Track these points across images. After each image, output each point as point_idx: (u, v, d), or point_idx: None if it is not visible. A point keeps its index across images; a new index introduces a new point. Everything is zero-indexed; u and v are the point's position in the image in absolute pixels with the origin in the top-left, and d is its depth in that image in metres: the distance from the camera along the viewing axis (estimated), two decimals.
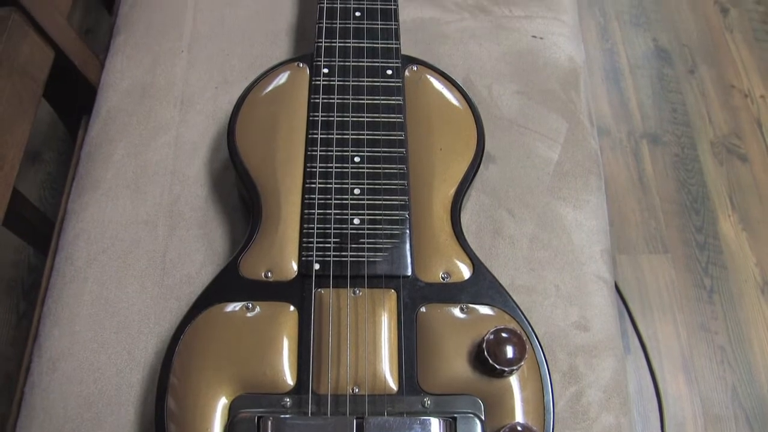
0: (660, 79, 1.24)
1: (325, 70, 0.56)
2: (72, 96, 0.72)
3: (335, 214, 0.50)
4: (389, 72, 0.56)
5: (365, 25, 0.59)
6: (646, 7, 1.33)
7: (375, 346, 0.46)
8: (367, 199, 0.50)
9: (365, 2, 0.60)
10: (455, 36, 0.69)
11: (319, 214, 0.50)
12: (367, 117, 0.54)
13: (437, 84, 0.58)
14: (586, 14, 1.33)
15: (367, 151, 0.52)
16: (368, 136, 0.53)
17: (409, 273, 0.48)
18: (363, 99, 0.55)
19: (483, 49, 0.68)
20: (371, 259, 0.48)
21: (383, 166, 0.52)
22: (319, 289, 0.47)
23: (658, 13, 1.32)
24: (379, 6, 0.60)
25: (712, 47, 1.28)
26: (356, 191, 0.51)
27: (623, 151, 1.16)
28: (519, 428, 0.43)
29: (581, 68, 0.69)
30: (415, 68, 0.58)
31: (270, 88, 0.57)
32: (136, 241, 0.57)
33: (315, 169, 0.51)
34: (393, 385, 0.45)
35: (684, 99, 1.22)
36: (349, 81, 0.56)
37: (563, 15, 0.72)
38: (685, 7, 1.33)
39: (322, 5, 0.59)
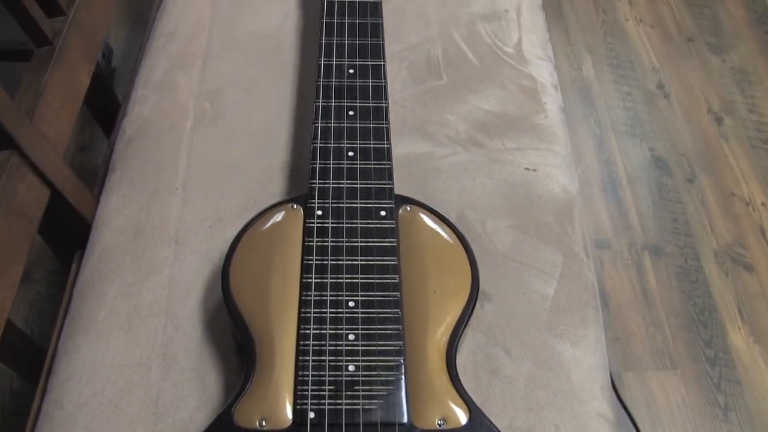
0: (659, 188, 1.31)
1: (319, 212, 0.62)
2: (65, 232, 0.77)
3: (330, 360, 0.53)
4: (383, 213, 0.62)
5: (358, 166, 0.65)
6: (641, 117, 1.43)
7: None
8: (362, 345, 0.54)
9: (358, 142, 0.67)
10: (449, 170, 0.76)
11: (314, 360, 0.53)
12: (361, 260, 0.59)
13: (431, 223, 0.64)
14: (582, 126, 1.42)
15: (362, 296, 0.57)
16: (362, 280, 0.57)
17: (405, 420, 0.51)
18: (357, 242, 0.60)
19: (477, 183, 0.75)
20: (366, 407, 0.51)
21: (378, 310, 0.56)
22: None
23: (654, 123, 1.42)
24: (372, 145, 0.67)
25: (709, 156, 1.36)
26: (351, 337, 0.54)
27: (625, 264, 1.20)
28: None
29: (575, 198, 0.76)
30: (409, 208, 0.64)
31: (264, 229, 0.62)
32: (128, 384, 0.60)
33: (309, 315, 0.55)
34: None
35: (684, 208, 1.28)
36: (342, 223, 0.61)
37: (556, 145, 0.80)
38: (680, 117, 1.43)
39: (315, 145, 0.66)
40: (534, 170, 0.77)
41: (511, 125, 0.80)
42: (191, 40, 0.89)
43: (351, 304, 0.56)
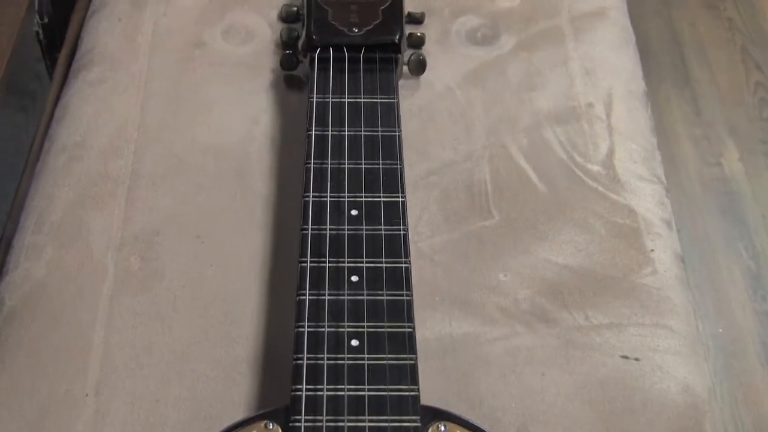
0: None
1: None
2: None
3: None
4: None
5: (366, 362, 0.74)
6: None
7: None
8: None
9: (365, 324, 0.76)
10: (503, 361, 0.84)
11: None
12: None
13: None
14: (724, 257, 1.48)
15: None
16: None
17: None
18: None
19: (547, 382, 0.83)
20: None
21: None
22: None
23: None
24: (386, 329, 0.76)
25: None
26: None
27: None
28: None
29: (706, 402, 0.83)
30: (443, 428, 0.73)
31: None
32: None
33: None
34: None
35: None
36: None
37: (670, 318, 0.89)
38: None
39: (300, 329, 0.75)
40: (636, 359, 0.85)
41: (599, 288, 0.91)
42: (109, 158, 1.02)
43: None
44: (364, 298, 0.78)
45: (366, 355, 0.75)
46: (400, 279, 0.80)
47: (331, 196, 0.86)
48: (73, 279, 0.92)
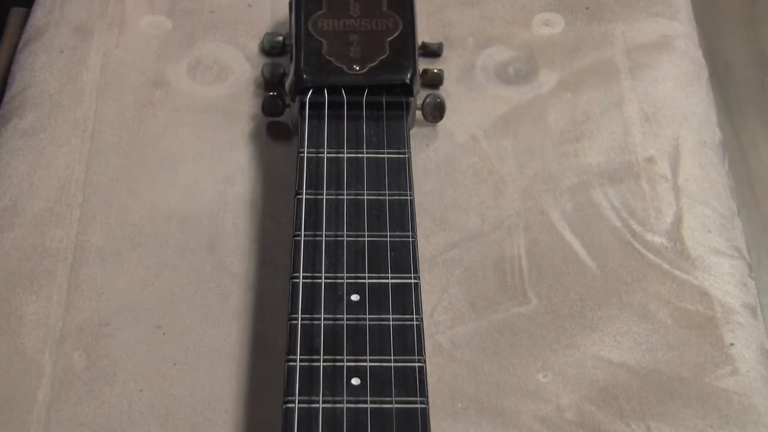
0: None
1: None
2: None
3: None
4: None
5: None
6: None
7: None
8: None
9: None
10: None
11: None
12: None
13: None
14: None
15: None
16: None
17: None
18: None
19: None
20: None
21: None
22: None
23: None
24: None
25: None
26: None
27: None
28: None
29: None
30: None
31: None
32: None
33: None
34: None
35: None
36: None
37: (755, 430, 0.90)
38: None
39: None
40: None
41: (665, 393, 0.91)
42: (47, 228, 1.03)
43: None
44: (368, 406, 0.79)
45: None
46: (413, 382, 0.80)
47: (326, 277, 0.87)
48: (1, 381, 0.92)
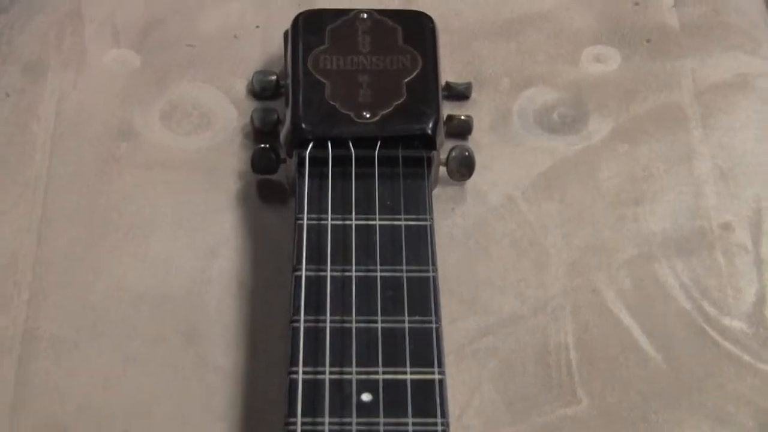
0: None
1: None
2: None
3: None
4: None
5: None
6: None
7: None
8: None
9: None
10: None
11: None
12: None
13: None
14: None
15: None
16: None
17: None
18: None
19: None
20: None
21: None
22: None
23: None
24: None
25: None
26: None
27: None
28: None
29: None
30: None
31: None
32: None
33: None
34: None
35: None
36: None
37: None
38: None
39: None
40: None
41: None
42: None
43: None
44: None
45: None
46: None
47: (330, 372, 0.86)
48: None
